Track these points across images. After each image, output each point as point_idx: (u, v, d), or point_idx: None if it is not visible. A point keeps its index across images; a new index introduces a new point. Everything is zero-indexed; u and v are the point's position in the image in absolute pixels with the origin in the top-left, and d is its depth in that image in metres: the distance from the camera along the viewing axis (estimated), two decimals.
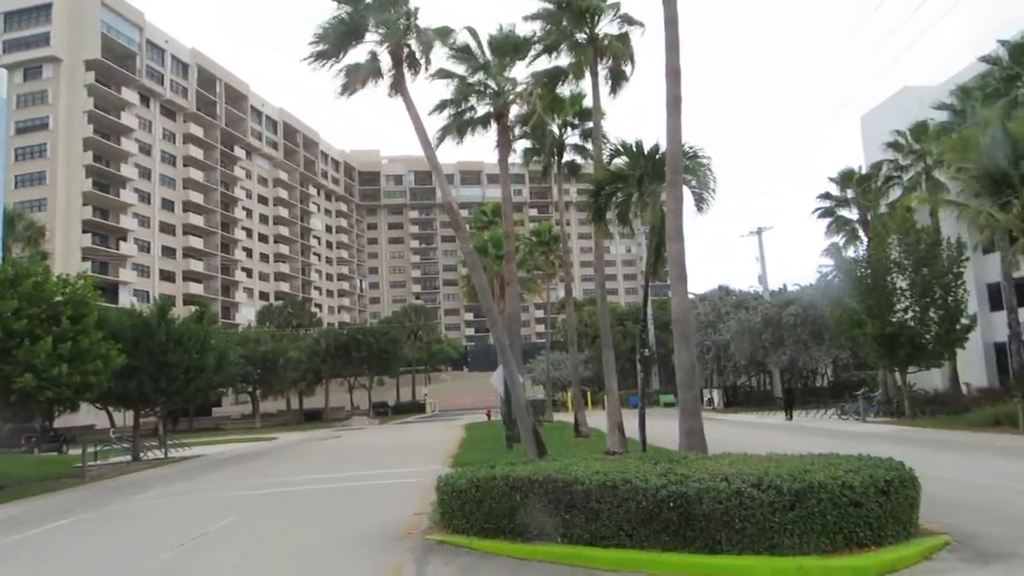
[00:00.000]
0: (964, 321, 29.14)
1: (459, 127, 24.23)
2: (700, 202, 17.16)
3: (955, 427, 25.11)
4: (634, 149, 17.30)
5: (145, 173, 77.84)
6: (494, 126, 24.61)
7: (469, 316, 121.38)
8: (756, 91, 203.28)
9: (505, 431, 24.37)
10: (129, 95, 75.15)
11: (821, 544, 7.86)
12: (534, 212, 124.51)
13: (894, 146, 36.69)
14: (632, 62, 24.28)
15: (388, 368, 69.81)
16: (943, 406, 30.75)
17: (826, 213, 40.47)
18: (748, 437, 24.84)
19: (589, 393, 53.86)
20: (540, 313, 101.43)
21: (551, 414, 45.68)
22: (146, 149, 78.42)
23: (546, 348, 55.01)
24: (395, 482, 18.15)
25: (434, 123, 24.13)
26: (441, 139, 24.32)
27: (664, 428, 19.78)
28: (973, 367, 35.19)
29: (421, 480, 16.57)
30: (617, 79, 25.01)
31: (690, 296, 64.77)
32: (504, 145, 24.86)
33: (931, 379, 36.10)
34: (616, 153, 18.33)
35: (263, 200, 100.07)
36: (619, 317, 64.60)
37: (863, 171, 39.34)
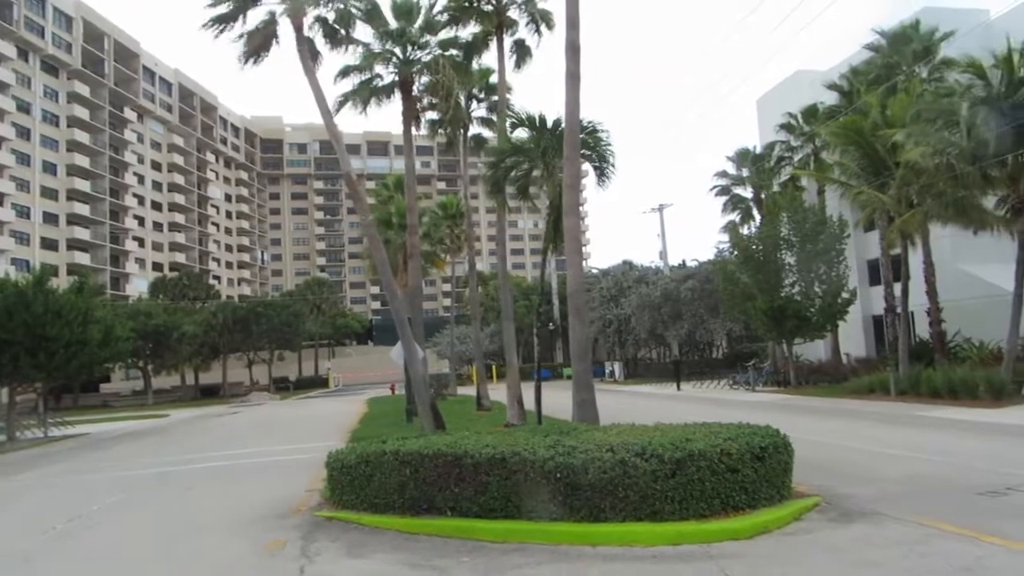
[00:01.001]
0: (845, 295, 30.89)
1: (363, 95, 23.60)
2: (601, 175, 17.39)
3: (835, 395, 26.65)
4: (536, 122, 17.31)
5: (24, 133, 72.48)
6: (399, 95, 24.14)
7: (375, 290, 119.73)
8: (665, 71, 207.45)
9: (406, 405, 24.25)
10: (5, 48, 69.55)
11: (699, 509, 8.17)
12: (442, 185, 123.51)
13: (786, 127, 38.29)
14: (541, 28, 24.03)
15: (290, 342, 68.15)
16: (825, 375, 32.58)
17: (723, 191, 41.94)
18: (643, 407, 25.65)
19: (494, 367, 54.23)
20: (448, 287, 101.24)
21: (455, 388, 45.77)
22: (24, 107, 72.92)
23: (451, 322, 54.95)
24: (291, 458, 17.76)
25: (338, 89, 23.53)
26: (342, 106, 23.66)
27: (565, 400, 20.09)
28: (852, 339, 37.51)
29: (317, 456, 16.18)
30: (522, 54, 24.91)
31: (594, 271, 65.87)
32: (409, 115, 24.40)
33: (815, 350, 38.27)
34: (517, 125, 18.29)
35: (156, 166, 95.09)
36: (525, 292, 65.19)
37: (758, 151, 40.89)
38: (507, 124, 20.14)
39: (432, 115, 28.89)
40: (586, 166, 18.33)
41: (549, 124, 17.25)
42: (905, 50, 29.58)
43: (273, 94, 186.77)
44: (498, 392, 31.74)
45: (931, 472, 11.26)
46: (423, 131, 29.37)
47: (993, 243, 24.03)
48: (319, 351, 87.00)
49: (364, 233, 24.25)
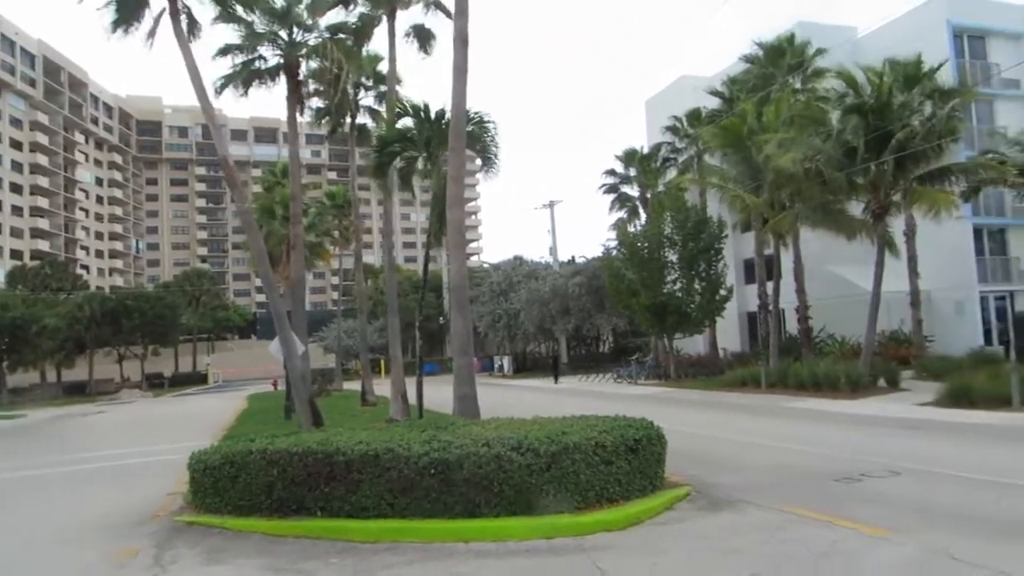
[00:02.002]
0: (723, 292, 32.25)
1: (245, 77, 22.47)
2: (489, 166, 17.25)
3: (711, 387, 27.74)
4: (421, 111, 16.99)
5: None
6: (284, 79, 23.16)
7: (259, 282, 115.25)
8: (562, 70, 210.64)
9: (285, 402, 23.39)
10: None
11: (574, 502, 8.19)
12: (333, 175, 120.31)
13: (672, 130, 39.55)
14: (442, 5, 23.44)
15: (165, 337, 64.58)
16: (704, 369, 33.88)
17: (611, 189, 42.82)
18: (528, 401, 25.80)
19: (383, 361, 53.29)
20: (337, 279, 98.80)
21: (341, 383, 44.75)
22: None
23: (338, 316, 53.68)
24: (157, 460, 16.69)
25: (219, 70, 22.38)
26: (224, 88, 22.48)
27: (451, 394, 19.89)
28: (729, 334, 39.27)
29: (185, 457, 15.34)
30: (425, 37, 24.30)
31: (485, 265, 65.66)
32: (294, 101, 23.44)
33: (695, 344, 39.78)
34: (401, 114, 17.91)
35: (16, 145, 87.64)
36: (416, 285, 64.43)
37: (645, 151, 42.02)
38: (395, 113, 19.70)
39: (318, 102, 27.97)
40: (479, 160, 18.17)
41: (434, 114, 16.96)
42: (781, 62, 31.10)
43: (154, 73, 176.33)
44: (384, 387, 31.20)
45: (794, 461, 11.81)
46: (308, 118, 28.37)
47: (858, 245, 25.65)
48: (198, 346, 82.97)
49: (241, 221, 23.21)
